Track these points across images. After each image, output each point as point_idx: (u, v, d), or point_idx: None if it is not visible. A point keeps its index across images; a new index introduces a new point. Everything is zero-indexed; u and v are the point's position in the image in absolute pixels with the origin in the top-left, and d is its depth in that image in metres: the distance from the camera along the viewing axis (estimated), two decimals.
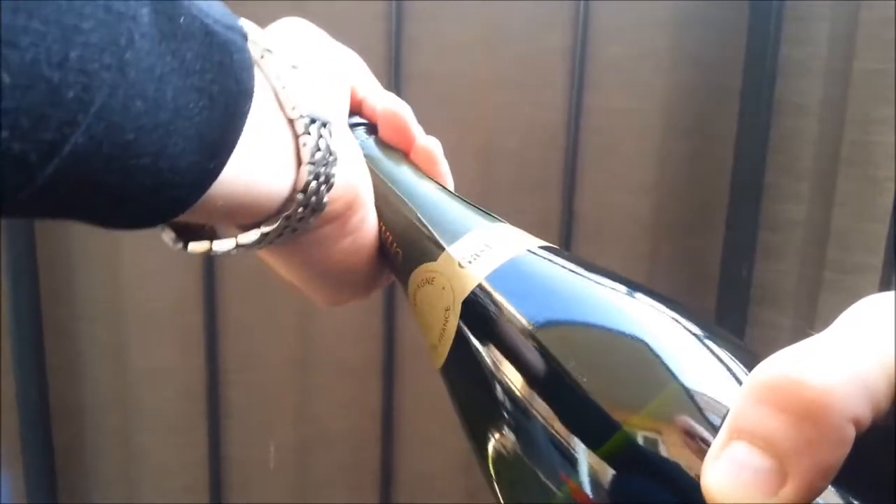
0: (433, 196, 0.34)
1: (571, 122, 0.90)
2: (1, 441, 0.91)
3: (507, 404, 0.26)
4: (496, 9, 0.87)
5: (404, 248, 0.33)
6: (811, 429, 0.18)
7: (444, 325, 0.29)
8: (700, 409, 0.22)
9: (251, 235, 0.30)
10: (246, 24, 0.28)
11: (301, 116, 0.29)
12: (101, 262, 0.92)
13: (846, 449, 0.18)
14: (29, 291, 0.91)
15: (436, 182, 0.36)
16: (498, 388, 0.27)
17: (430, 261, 0.31)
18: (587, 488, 0.23)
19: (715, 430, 0.21)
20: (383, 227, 0.35)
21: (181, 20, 0.23)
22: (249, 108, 0.26)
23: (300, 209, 0.30)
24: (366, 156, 0.36)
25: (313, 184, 0.29)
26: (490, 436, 0.27)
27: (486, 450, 0.28)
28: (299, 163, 0.29)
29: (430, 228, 0.32)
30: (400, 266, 0.34)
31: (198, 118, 0.24)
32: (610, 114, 0.90)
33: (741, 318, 0.96)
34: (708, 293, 0.97)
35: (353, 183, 0.32)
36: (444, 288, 0.30)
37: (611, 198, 0.92)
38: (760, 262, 0.95)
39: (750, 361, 0.23)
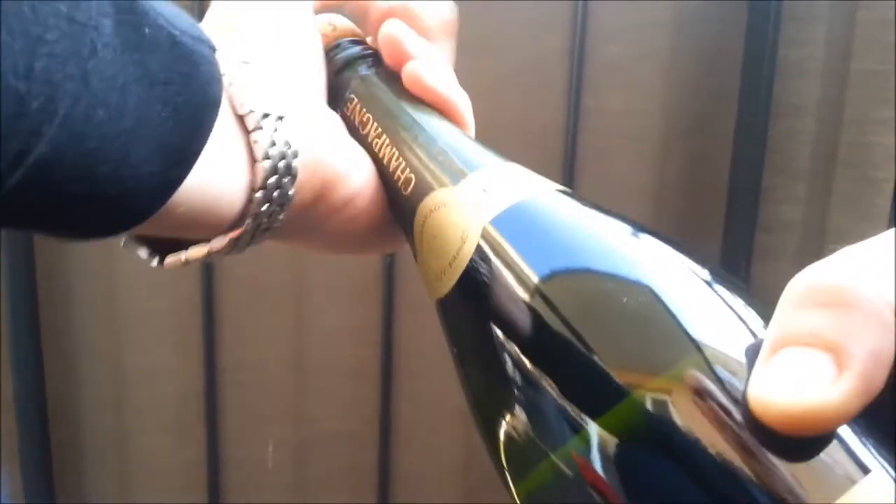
0: (448, 127, 0.33)
1: (570, 123, 0.90)
2: (0, 442, 0.91)
3: (514, 340, 0.25)
4: (494, 9, 0.87)
5: (418, 173, 0.32)
6: (856, 314, 0.18)
7: (461, 247, 0.28)
8: (722, 380, 0.21)
9: (220, 241, 0.29)
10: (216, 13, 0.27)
11: (251, 112, 0.28)
12: (98, 263, 0.92)
13: (892, 334, 0.18)
14: (27, 293, 0.90)
15: (445, 119, 0.34)
16: (506, 319, 0.26)
17: (450, 185, 0.30)
18: (592, 455, 0.22)
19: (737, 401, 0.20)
20: (394, 156, 0.33)
21: (146, 31, 0.23)
22: (216, 118, 0.26)
23: (264, 206, 0.29)
24: (374, 86, 0.35)
25: (272, 179, 0.28)
26: (492, 378, 0.26)
27: (488, 397, 0.26)
28: (253, 162, 0.28)
29: (450, 154, 0.31)
30: (409, 194, 0.32)
31: (160, 128, 0.24)
32: (608, 115, 0.90)
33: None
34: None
35: (320, 162, 0.31)
36: (464, 211, 0.29)
37: (609, 199, 0.92)
38: (758, 262, 0.95)
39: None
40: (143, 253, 0.32)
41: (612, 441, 0.22)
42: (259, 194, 0.28)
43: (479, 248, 0.27)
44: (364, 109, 0.35)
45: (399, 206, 0.33)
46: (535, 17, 0.88)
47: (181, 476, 0.97)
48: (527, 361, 0.25)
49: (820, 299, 0.18)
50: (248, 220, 0.29)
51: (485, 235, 0.28)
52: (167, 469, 0.97)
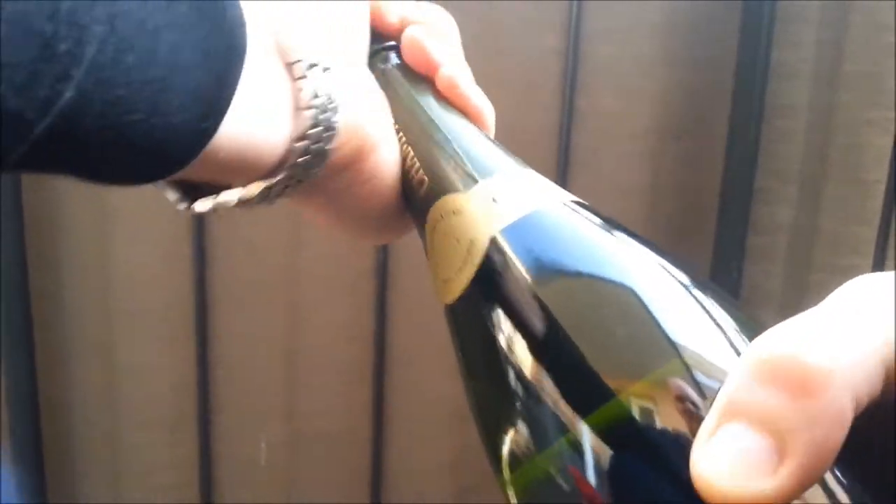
0: (466, 129, 0.33)
1: (563, 124, 0.90)
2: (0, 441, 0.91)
3: (519, 347, 0.26)
4: (488, 9, 0.87)
5: (431, 175, 0.32)
6: (812, 404, 0.17)
7: (467, 256, 0.28)
8: (701, 387, 0.22)
9: (253, 189, 0.29)
10: None
11: (298, 61, 0.28)
12: (90, 259, 0.91)
13: (845, 429, 0.17)
14: (18, 288, 0.90)
15: (468, 120, 0.34)
16: (512, 327, 0.26)
17: (461, 191, 0.30)
18: (580, 455, 0.23)
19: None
20: (409, 154, 0.33)
21: None
22: (243, 65, 0.25)
23: (302, 158, 0.29)
24: (395, 81, 0.35)
25: (313, 131, 0.28)
26: (493, 381, 0.26)
27: (489, 399, 0.27)
28: (298, 109, 0.28)
29: (465, 158, 0.31)
30: (423, 195, 0.32)
31: (191, 75, 0.23)
32: (601, 115, 0.91)
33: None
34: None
35: (360, 127, 0.31)
36: (474, 220, 0.29)
37: (601, 199, 0.92)
38: (749, 264, 0.96)
39: None
40: (171, 196, 0.31)
41: (609, 448, 0.22)
42: (299, 144, 0.28)
43: (484, 261, 0.28)
44: None
45: (412, 204, 0.33)
46: (530, 18, 0.88)
47: (173, 473, 0.97)
48: (528, 373, 0.25)
49: (780, 379, 0.17)
50: (285, 170, 0.29)
51: (491, 248, 0.28)
52: (159, 465, 0.97)
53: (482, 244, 0.28)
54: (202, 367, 0.94)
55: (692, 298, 0.25)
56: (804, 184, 0.92)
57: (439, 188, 0.31)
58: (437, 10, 0.38)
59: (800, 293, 0.92)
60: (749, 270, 0.96)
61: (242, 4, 0.26)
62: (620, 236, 0.28)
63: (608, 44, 0.89)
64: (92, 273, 0.92)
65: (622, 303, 0.25)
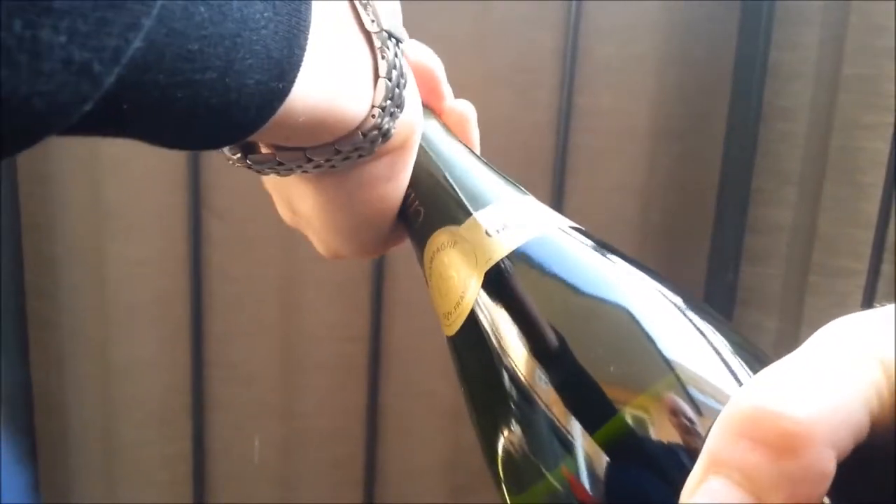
0: (463, 158, 0.33)
1: (561, 122, 0.90)
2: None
3: (519, 381, 0.26)
4: (487, 8, 0.87)
5: (427, 207, 0.32)
6: (791, 463, 0.17)
7: (464, 292, 0.28)
8: (697, 404, 0.22)
9: (324, 151, 0.28)
10: None
11: (380, 31, 0.28)
12: (86, 257, 0.91)
13: (826, 483, 0.17)
14: (13, 285, 0.90)
15: (466, 146, 0.35)
16: (511, 365, 0.26)
17: (455, 224, 0.30)
18: (581, 474, 0.23)
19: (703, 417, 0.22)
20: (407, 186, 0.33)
21: None
22: (311, 21, 0.25)
23: (373, 131, 0.28)
24: None
25: (388, 102, 0.28)
26: (497, 411, 0.27)
27: (491, 428, 0.27)
28: (376, 78, 0.28)
29: (458, 191, 0.31)
30: (419, 226, 0.32)
31: (264, 31, 0.22)
32: (599, 114, 0.90)
33: (727, 320, 0.96)
34: (694, 294, 0.97)
35: (412, 120, 0.31)
36: (467, 254, 0.29)
37: (599, 198, 0.93)
38: (746, 264, 0.96)
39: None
40: (226, 151, 0.30)
41: (604, 461, 0.23)
42: (377, 111, 0.28)
43: (479, 297, 0.28)
44: None
45: (411, 233, 0.33)
46: (529, 17, 0.88)
47: (167, 470, 0.97)
48: (527, 407, 0.25)
49: (760, 436, 0.17)
50: (357, 136, 0.28)
51: (486, 284, 0.28)
52: (153, 462, 0.97)
53: (477, 279, 0.28)
54: (196, 366, 0.94)
55: (687, 320, 0.25)
56: (802, 185, 0.92)
57: (435, 221, 0.31)
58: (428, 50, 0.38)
59: (796, 294, 0.92)
60: (746, 271, 0.96)
61: None
62: (614, 262, 0.28)
63: (607, 43, 0.89)
64: (87, 271, 0.92)
65: (618, 326, 0.25)
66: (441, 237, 0.30)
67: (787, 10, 0.89)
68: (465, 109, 0.36)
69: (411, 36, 0.35)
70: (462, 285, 0.29)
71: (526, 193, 0.32)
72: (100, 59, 0.18)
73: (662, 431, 0.22)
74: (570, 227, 0.29)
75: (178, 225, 0.90)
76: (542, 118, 0.90)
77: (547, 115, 0.90)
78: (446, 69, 0.37)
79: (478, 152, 0.36)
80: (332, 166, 0.29)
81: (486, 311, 0.28)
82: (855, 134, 0.86)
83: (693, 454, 0.21)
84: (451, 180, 0.32)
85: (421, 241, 0.32)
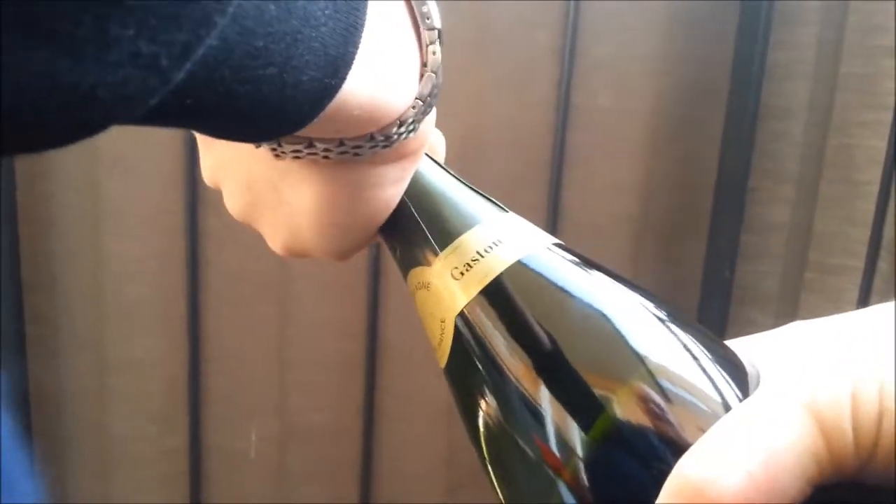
0: (428, 184, 0.32)
1: (559, 121, 0.90)
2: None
3: (504, 414, 0.27)
4: (486, 7, 0.87)
5: (401, 245, 0.32)
6: None
7: (441, 334, 0.29)
8: (666, 393, 0.24)
9: (360, 139, 0.28)
10: None
11: (433, 28, 0.28)
12: (83, 253, 0.91)
13: None
14: (10, 281, 0.90)
15: (433, 161, 0.34)
16: (493, 402, 0.27)
17: (426, 265, 0.30)
18: (579, 475, 0.24)
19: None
20: None
21: None
22: (365, 20, 0.25)
23: (412, 124, 0.29)
24: None
25: (429, 98, 0.29)
26: (489, 442, 0.28)
27: (486, 454, 0.28)
28: (423, 72, 0.28)
29: (426, 229, 0.31)
30: (398, 259, 0.32)
31: (324, 28, 0.22)
32: (597, 113, 0.91)
33: (723, 318, 0.97)
34: (691, 292, 0.97)
35: (430, 127, 0.31)
36: (438, 298, 0.29)
37: (596, 197, 0.93)
38: (743, 262, 0.96)
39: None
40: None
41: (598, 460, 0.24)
42: (417, 104, 0.28)
43: (456, 335, 0.29)
44: None
45: (396, 262, 0.34)
46: (527, 16, 0.88)
47: (163, 465, 0.97)
48: (518, 438, 0.26)
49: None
50: (395, 126, 0.28)
51: (459, 324, 0.29)
52: (149, 457, 0.97)
53: (450, 321, 0.29)
54: (193, 362, 0.94)
55: (669, 332, 0.26)
56: (798, 184, 0.92)
57: (408, 260, 0.31)
58: None
59: (793, 292, 0.92)
60: (742, 269, 0.96)
61: None
62: (594, 283, 0.28)
63: (604, 43, 0.89)
64: (85, 267, 0.92)
65: (595, 337, 0.26)
66: (416, 277, 0.31)
67: (786, 10, 0.89)
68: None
69: None
70: (439, 328, 0.29)
71: (502, 211, 0.31)
72: (168, 54, 0.18)
73: (636, 418, 0.24)
74: (548, 245, 0.29)
75: (176, 221, 0.90)
76: (540, 117, 0.90)
77: (545, 114, 0.90)
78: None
79: (440, 152, 0.36)
80: (371, 149, 0.29)
81: (463, 352, 0.29)
82: (852, 132, 0.87)
83: (662, 438, 0.23)
84: (418, 216, 0.31)
85: (403, 274, 0.32)
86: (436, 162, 0.34)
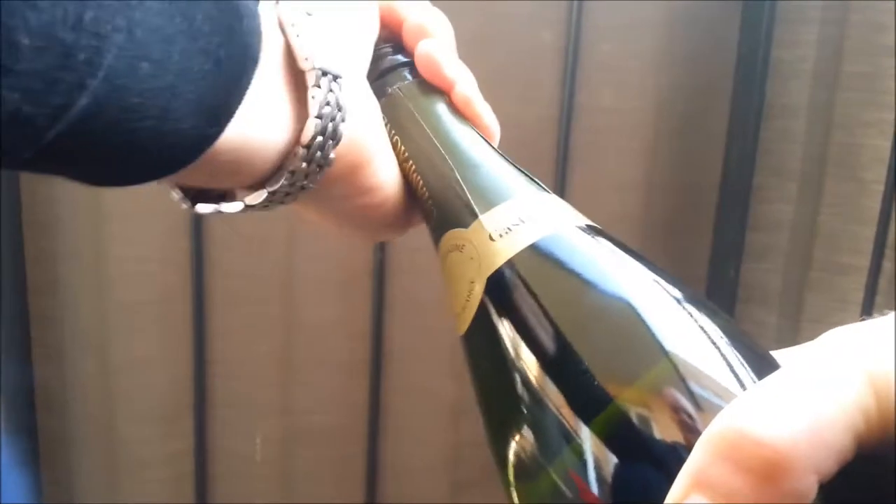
0: (473, 154, 0.33)
1: (562, 120, 0.90)
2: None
3: (521, 383, 0.26)
4: (489, 5, 0.87)
5: (438, 208, 0.32)
6: (771, 489, 0.18)
7: (469, 296, 0.29)
8: (688, 387, 0.23)
9: (258, 196, 0.29)
10: None
11: (313, 68, 0.28)
12: (87, 253, 0.91)
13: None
14: (15, 281, 0.90)
15: (480, 136, 0.34)
16: (513, 367, 0.27)
17: (462, 227, 0.30)
18: (584, 466, 0.24)
19: (701, 407, 0.22)
20: (419, 181, 0.33)
21: None
22: (254, 75, 0.25)
23: (304, 164, 0.29)
24: (407, 103, 0.35)
25: (319, 139, 0.28)
26: (503, 411, 0.27)
27: (499, 425, 0.28)
28: (305, 117, 0.28)
29: (466, 192, 0.31)
30: (433, 224, 0.33)
31: (201, 83, 0.23)
32: (601, 112, 0.90)
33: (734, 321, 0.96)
34: (695, 291, 0.97)
35: (358, 141, 0.31)
36: (472, 258, 0.29)
37: (600, 196, 0.93)
38: (747, 261, 0.96)
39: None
40: (175, 195, 0.31)
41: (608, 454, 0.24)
42: (302, 151, 0.28)
43: (483, 301, 0.29)
44: (393, 131, 0.35)
45: (428, 227, 0.34)
46: (530, 14, 0.88)
47: (168, 467, 0.97)
48: (536, 400, 0.26)
49: (742, 459, 0.18)
50: (287, 175, 0.29)
51: (488, 290, 0.29)
52: (155, 460, 0.97)
53: (481, 284, 0.29)
54: (198, 363, 0.94)
55: (685, 311, 0.26)
56: (803, 182, 0.92)
57: (445, 222, 0.32)
58: (436, 11, 0.38)
59: (797, 291, 0.92)
60: (747, 268, 0.96)
61: (259, 9, 0.26)
62: (622, 263, 0.28)
63: (608, 40, 0.89)
64: (89, 268, 0.92)
65: (621, 322, 0.26)
66: (450, 239, 0.31)
67: (788, 9, 0.89)
68: (468, 93, 0.35)
69: None
70: (467, 289, 0.29)
71: (541, 189, 0.31)
72: (45, 115, 0.19)
73: (663, 426, 0.23)
74: (583, 226, 0.29)
75: (180, 222, 0.90)
76: (544, 116, 0.90)
77: (548, 112, 0.90)
78: None
79: (495, 133, 0.36)
80: (280, 202, 0.30)
81: (489, 315, 0.28)
82: (856, 131, 0.86)
83: (687, 445, 0.21)
84: (460, 180, 0.32)
85: (436, 239, 0.32)
86: (480, 135, 0.34)
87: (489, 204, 0.30)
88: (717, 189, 0.94)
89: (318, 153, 0.29)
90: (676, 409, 0.23)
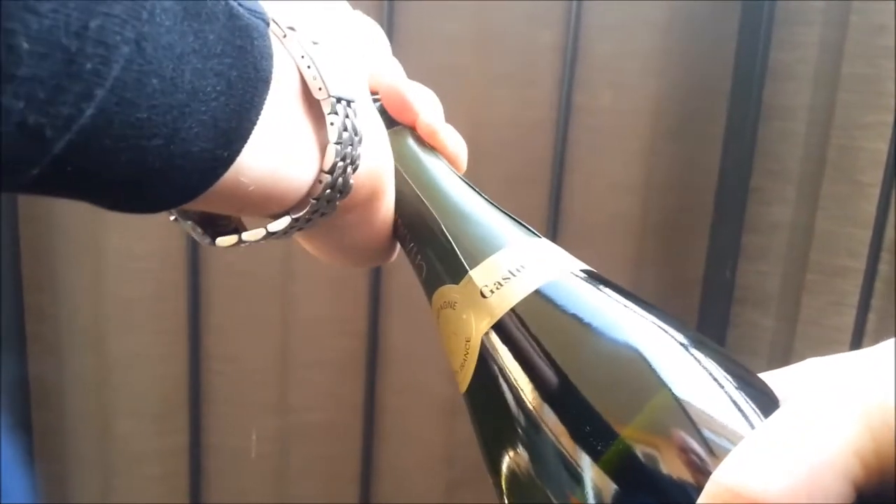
0: (459, 202, 0.32)
1: (560, 120, 0.90)
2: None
3: (524, 447, 0.26)
4: (488, 5, 0.86)
5: (427, 263, 0.32)
6: None
7: (465, 355, 0.29)
8: (694, 425, 0.23)
9: (282, 223, 0.29)
10: (266, 3, 0.26)
11: (328, 96, 0.28)
12: (83, 248, 0.91)
13: None
14: (11, 278, 0.90)
15: (462, 180, 0.33)
16: (519, 426, 0.27)
17: (453, 282, 0.30)
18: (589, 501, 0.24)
19: (706, 444, 0.23)
20: (406, 236, 0.33)
21: None
22: (266, 97, 0.25)
23: (327, 191, 0.29)
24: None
25: (340, 164, 0.28)
26: (507, 469, 0.27)
27: (504, 480, 0.27)
28: (325, 144, 0.28)
29: (455, 245, 0.30)
30: (423, 280, 0.32)
31: (214, 103, 0.23)
32: (598, 113, 0.90)
33: (724, 319, 0.96)
34: (692, 293, 0.97)
35: (377, 168, 0.31)
36: (464, 317, 0.29)
37: (597, 197, 0.93)
38: (744, 263, 0.96)
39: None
40: (193, 230, 0.31)
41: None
42: (326, 177, 0.28)
43: (480, 358, 0.28)
44: None
45: (420, 281, 0.33)
46: (529, 14, 0.88)
47: (164, 463, 0.97)
48: (533, 465, 0.26)
49: None
50: (310, 203, 0.29)
51: (484, 345, 0.28)
52: (150, 456, 0.97)
53: (475, 342, 0.28)
54: (194, 359, 0.94)
55: (690, 356, 0.25)
56: (800, 184, 0.92)
57: (434, 279, 0.31)
58: (367, 20, 0.38)
59: (794, 293, 0.92)
60: (744, 269, 0.96)
61: (272, 36, 0.26)
62: (620, 308, 0.27)
63: (606, 41, 0.89)
64: (85, 264, 0.92)
65: (623, 368, 0.25)
66: (443, 296, 0.30)
67: (787, 10, 0.89)
68: (431, 121, 0.35)
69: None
70: (463, 348, 0.29)
71: (531, 234, 0.31)
72: (52, 125, 0.19)
73: (675, 471, 0.23)
74: (576, 271, 0.29)
75: None
76: (542, 116, 0.90)
77: (546, 112, 0.90)
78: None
79: (459, 157, 0.35)
80: (300, 228, 0.30)
81: (489, 374, 0.28)
82: (854, 133, 0.86)
83: (696, 483, 0.22)
84: (447, 233, 0.31)
85: (427, 294, 0.32)
86: (465, 182, 0.33)
87: (479, 256, 0.30)
88: (714, 190, 0.94)
89: (340, 179, 0.29)
90: (690, 462, 0.23)
